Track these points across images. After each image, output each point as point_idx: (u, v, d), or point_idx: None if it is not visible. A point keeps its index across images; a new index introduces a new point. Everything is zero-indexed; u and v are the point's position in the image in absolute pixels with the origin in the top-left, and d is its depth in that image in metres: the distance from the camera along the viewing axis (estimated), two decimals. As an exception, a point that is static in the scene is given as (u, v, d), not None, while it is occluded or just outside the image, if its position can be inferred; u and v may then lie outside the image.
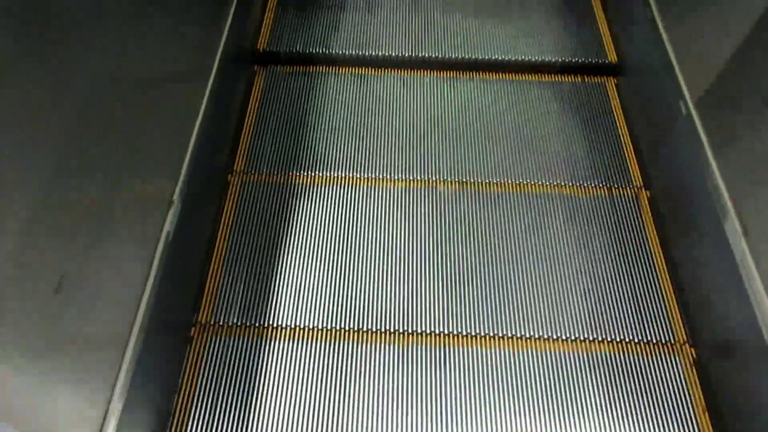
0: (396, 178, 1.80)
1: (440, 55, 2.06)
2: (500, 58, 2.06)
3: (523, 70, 2.06)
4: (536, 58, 2.07)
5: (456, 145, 1.87)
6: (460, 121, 1.93)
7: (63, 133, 1.00)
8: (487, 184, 1.79)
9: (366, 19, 2.16)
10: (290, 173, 1.81)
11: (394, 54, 2.06)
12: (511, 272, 1.62)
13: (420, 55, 2.05)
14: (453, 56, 2.06)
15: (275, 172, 1.81)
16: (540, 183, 1.79)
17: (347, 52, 2.06)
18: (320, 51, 2.06)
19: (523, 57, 2.07)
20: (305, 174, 1.81)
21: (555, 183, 1.80)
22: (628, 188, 1.80)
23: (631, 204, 1.77)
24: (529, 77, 2.06)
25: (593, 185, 1.80)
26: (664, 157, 1.72)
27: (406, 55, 2.05)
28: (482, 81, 2.04)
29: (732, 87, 1.44)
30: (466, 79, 2.04)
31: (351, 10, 2.19)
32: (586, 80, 2.06)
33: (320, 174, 1.81)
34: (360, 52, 2.06)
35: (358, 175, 1.80)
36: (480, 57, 2.06)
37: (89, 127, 1.07)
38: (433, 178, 1.80)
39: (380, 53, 2.05)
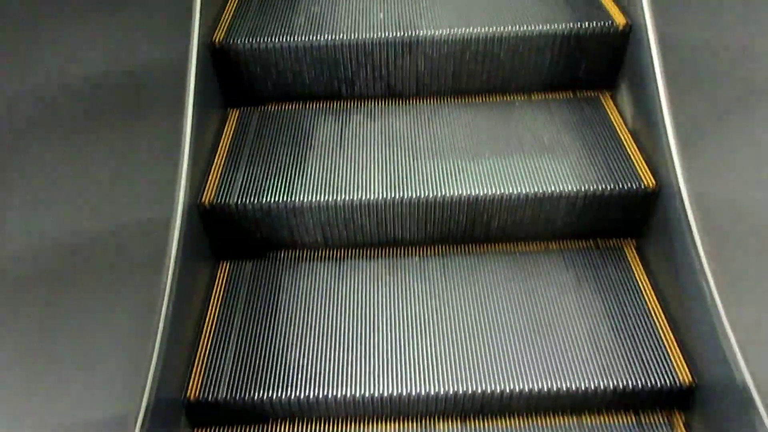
0: (381, 396, 1.47)
1: (428, 194, 1.68)
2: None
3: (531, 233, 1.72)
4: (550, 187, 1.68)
5: (456, 349, 1.54)
6: (455, 316, 1.59)
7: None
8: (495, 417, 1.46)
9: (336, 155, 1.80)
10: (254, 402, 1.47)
11: (369, 198, 1.69)
12: None
13: (400, 196, 1.69)
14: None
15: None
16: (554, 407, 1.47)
17: (313, 199, 1.69)
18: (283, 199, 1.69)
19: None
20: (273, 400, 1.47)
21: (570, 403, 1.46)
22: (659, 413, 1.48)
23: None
24: (536, 247, 1.72)
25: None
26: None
27: (387, 196, 1.68)
28: (480, 257, 1.70)
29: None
30: (459, 256, 1.70)
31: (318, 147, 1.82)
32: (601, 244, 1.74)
33: (294, 396, 1.47)
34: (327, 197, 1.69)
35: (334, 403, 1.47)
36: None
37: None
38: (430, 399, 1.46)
39: (352, 197, 1.69)
